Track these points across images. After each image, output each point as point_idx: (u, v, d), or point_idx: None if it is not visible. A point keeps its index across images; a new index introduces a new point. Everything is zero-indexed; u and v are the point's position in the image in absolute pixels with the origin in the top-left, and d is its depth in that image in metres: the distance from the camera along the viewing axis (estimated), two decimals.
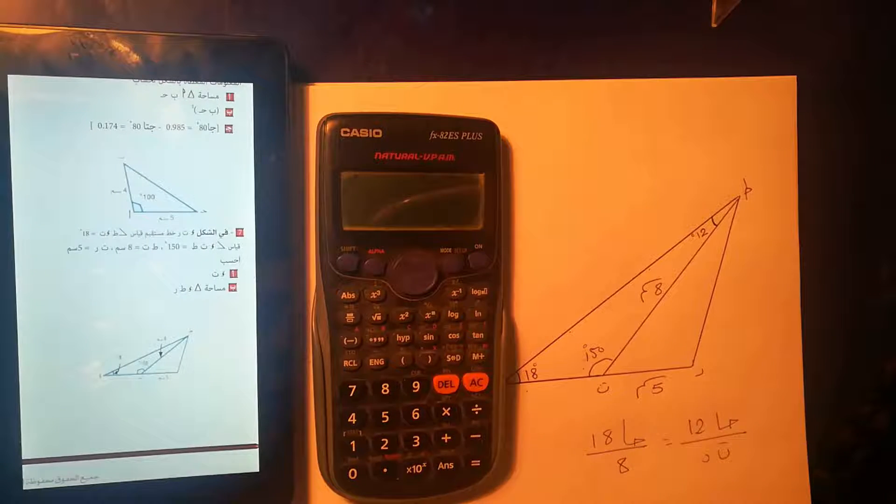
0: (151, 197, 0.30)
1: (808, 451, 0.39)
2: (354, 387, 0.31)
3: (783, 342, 0.38)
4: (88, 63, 0.29)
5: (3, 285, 0.28)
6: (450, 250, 0.32)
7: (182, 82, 0.30)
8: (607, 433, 0.36)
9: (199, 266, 0.30)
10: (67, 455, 0.29)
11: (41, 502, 0.29)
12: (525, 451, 0.36)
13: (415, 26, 0.34)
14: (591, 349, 0.36)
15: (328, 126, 0.31)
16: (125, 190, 0.29)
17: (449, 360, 0.32)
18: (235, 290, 0.31)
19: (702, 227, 0.37)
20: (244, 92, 0.30)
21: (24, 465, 0.29)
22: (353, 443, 0.31)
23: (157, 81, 0.29)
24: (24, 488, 0.29)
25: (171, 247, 0.30)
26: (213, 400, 0.31)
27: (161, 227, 0.30)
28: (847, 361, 0.39)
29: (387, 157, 0.31)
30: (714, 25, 0.37)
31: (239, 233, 0.31)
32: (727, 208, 0.37)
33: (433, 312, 0.32)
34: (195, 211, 0.30)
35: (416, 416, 0.32)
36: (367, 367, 0.31)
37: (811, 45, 0.38)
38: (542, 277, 0.35)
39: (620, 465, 0.37)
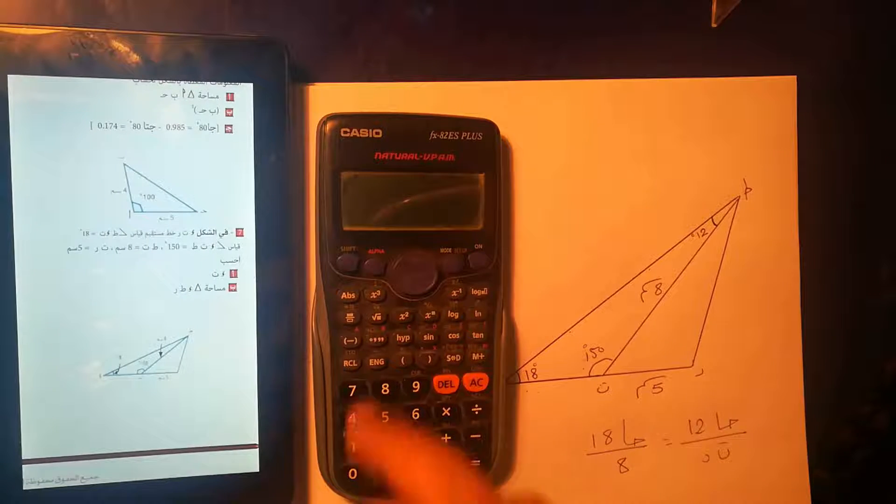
0: (151, 197, 0.30)
1: (808, 451, 0.39)
2: (354, 387, 0.31)
3: (783, 342, 0.38)
4: (88, 63, 0.29)
5: (3, 285, 0.28)
6: (450, 250, 0.32)
7: (182, 82, 0.30)
8: (607, 433, 0.36)
9: (199, 266, 0.30)
10: (67, 455, 0.29)
11: (41, 502, 0.29)
12: (525, 451, 0.36)
13: (415, 26, 0.34)
14: (591, 349, 0.36)
15: (328, 126, 0.31)
16: (125, 190, 0.29)
17: (449, 360, 0.32)
18: (235, 290, 0.31)
19: (702, 227, 0.37)
20: (244, 92, 0.30)
21: (24, 465, 0.29)
22: (353, 443, 0.31)
23: (157, 81, 0.29)
24: (24, 488, 0.29)
25: (171, 247, 0.30)
26: (213, 400, 0.31)
27: (161, 227, 0.30)
28: (847, 361, 0.39)
29: (387, 157, 0.31)
30: (714, 25, 0.37)
31: (239, 233, 0.31)
32: (727, 208, 0.37)
33: (433, 312, 0.32)
34: (195, 211, 0.30)
35: (416, 415, 0.32)
36: (367, 367, 0.31)
37: (811, 45, 0.38)
38: (542, 277, 0.35)
39: (620, 465, 0.37)
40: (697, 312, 0.37)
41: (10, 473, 0.29)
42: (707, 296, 0.37)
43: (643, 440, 0.37)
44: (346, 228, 0.31)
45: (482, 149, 0.32)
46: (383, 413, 0.31)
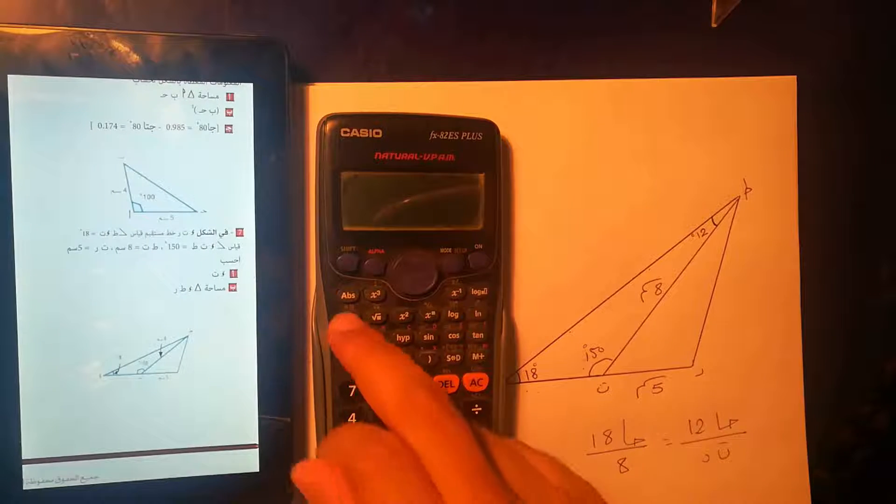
0: (151, 197, 0.30)
1: (808, 451, 0.39)
2: (354, 386, 0.31)
3: (783, 342, 0.38)
4: (88, 63, 0.29)
5: (3, 285, 0.28)
6: (450, 250, 0.32)
7: (182, 82, 0.30)
8: (607, 433, 0.36)
9: (199, 266, 0.30)
10: (67, 455, 0.29)
11: (41, 502, 0.29)
12: None
13: (415, 26, 0.34)
14: (591, 349, 0.36)
15: (328, 126, 0.31)
16: (125, 190, 0.29)
17: (449, 360, 0.32)
18: (235, 290, 0.31)
19: (702, 227, 0.37)
20: (244, 92, 0.30)
21: (24, 465, 0.29)
22: None
23: (157, 81, 0.29)
24: (24, 488, 0.29)
25: (171, 247, 0.30)
26: (213, 400, 0.31)
27: (161, 227, 0.30)
28: (847, 361, 0.39)
29: (387, 157, 0.31)
30: (714, 25, 0.37)
31: (239, 233, 0.31)
32: (727, 208, 0.37)
33: (433, 312, 0.32)
34: (195, 211, 0.30)
35: None
36: None
37: (811, 45, 0.38)
38: (542, 277, 0.35)
39: (620, 465, 0.37)
40: (697, 312, 0.37)
41: (10, 473, 0.29)
42: (707, 296, 0.37)
43: (643, 440, 0.37)
44: (346, 228, 0.31)
45: (482, 149, 0.32)
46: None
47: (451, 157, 0.32)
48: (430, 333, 0.32)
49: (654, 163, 0.36)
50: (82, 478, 0.29)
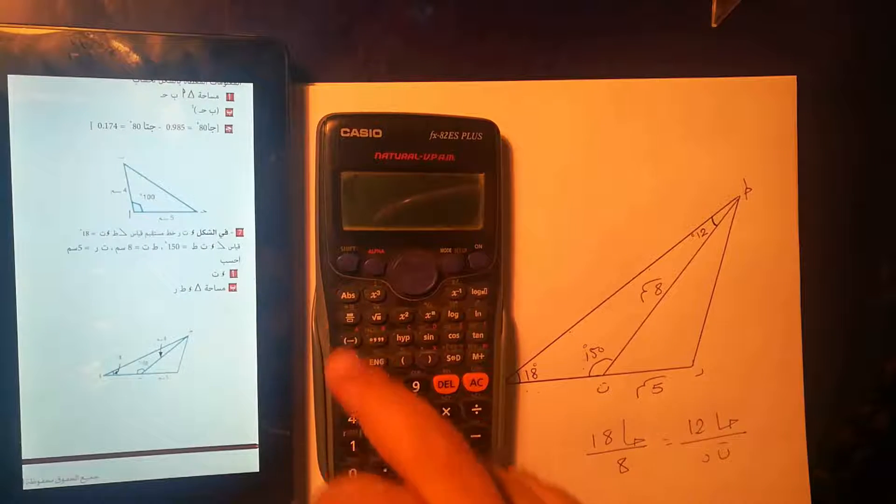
0: (151, 197, 0.30)
1: (808, 451, 0.39)
2: None
3: (783, 342, 0.38)
4: (88, 63, 0.29)
5: (3, 285, 0.28)
6: (450, 250, 0.32)
7: (182, 82, 0.30)
8: (607, 433, 0.36)
9: (199, 266, 0.30)
10: (67, 455, 0.29)
11: (41, 502, 0.29)
12: (525, 451, 0.36)
13: (415, 26, 0.34)
14: (591, 349, 0.36)
15: (328, 126, 0.31)
16: (125, 190, 0.29)
17: (449, 360, 0.32)
18: (235, 290, 0.31)
19: (702, 227, 0.37)
20: (244, 92, 0.30)
21: (24, 465, 0.29)
22: (352, 442, 0.31)
23: (157, 81, 0.29)
24: (24, 488, 0.29)
25: (171, 247, 0.30)
26: (213, 400, 0.31)
27: (161, 227, 0.30)
28: (847, 361, 0.39)
29: (387, 157, 0.31)
30: (714, 25, 0.37)
31: (239, 233, 0.31)
32: (727, 208, 0.37)
33: (433, 312, 0.32)
34: (195, 211, 0.30)
35: None
36: None
37: (811, 45, 0.38)
38: (542, 277, 0.35)
39: (620, 465, 0.37)
40: (697, 312, 0.37)
41: (10, 473, 0.29)
42: (707, 296, 0.37)
43: (643, 440, 0.37)
44: (346, 228, 0.31)
45: (482, 149, 0.32)
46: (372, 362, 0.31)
47: (451, 157, 0.32)
48: (430, 333, 0.32)
49: (654, 163, 0.36)
50: (82, 478, 0.30)
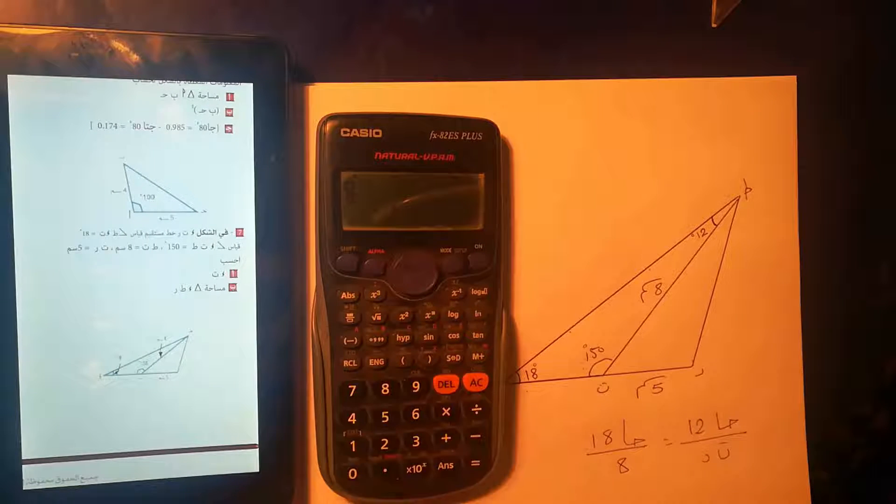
0: (151, 197, 0.30)
1: (808, 451, 0.39)
2: (354, 387, 0.31)
3: (783, 342, 0.38)
4: (88, 63, 0.29)
5: (3, 285, 0.28)
6: (450, 250, 0.32)
7: (182, 82, 0.30)
8: (607, 433, 0.36)
9: (199, 266, 0.30)
10: (67, 455, 0.29)
11: (41, 502, 0.29)
12: (525, 451, 0.36)
13: (415, 26, 0.34)
14: (591, 349, 0.36)
15: (328, 126, 0.31)
16: (125, 190, 0.29)
17: (449, 360, 0.32)
18: (235, 290, 0.31)
19: (702, 227, 0.37)
20: (244, 92, 0.30)
21: (24, 465, 0.29)
22: (353, 443, 0.31)
23: (157, 81, 0.29)
24: (24, 488, 0.29)
25: (171, 247, 0.30)
26: (213, 400, 0.31)
27: (161, 227, 0.30)
28: (847, 361, 0.39)
29: (387, 157, 0.31)
30: (714, 25, 0.37)
31: (239, 233, 0.31)
32: (727, 208, 0.37)
33: (433, 312, 0.32)
34: (195, 211, 0.30)
35: (416, 416, 0.32)
36: (366, 367, 0.31)
37: (811, 45, 0.38)
38: (542, 277, 0.35)
39: (620, 465, 0.37)
40: (697, 312, 0.37)
41: (10, 473, 0.29)
42: (707, 296, 0.37)
43: (643, 440, 0.37)
44: (346, 228, 0.31)
45: (482, 149, 0.32)
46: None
47: (451, 157, 0.32)
48: (430, 333, 0.32)
49: (654, 162, 0.36)
50: (82, 478, 0.30)
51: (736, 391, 0.38)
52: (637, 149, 0.36)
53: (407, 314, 0.32)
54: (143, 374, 0.30)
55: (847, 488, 0.40)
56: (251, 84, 0.30)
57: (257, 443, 0.31)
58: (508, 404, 0.35)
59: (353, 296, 0.31)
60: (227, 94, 0.30)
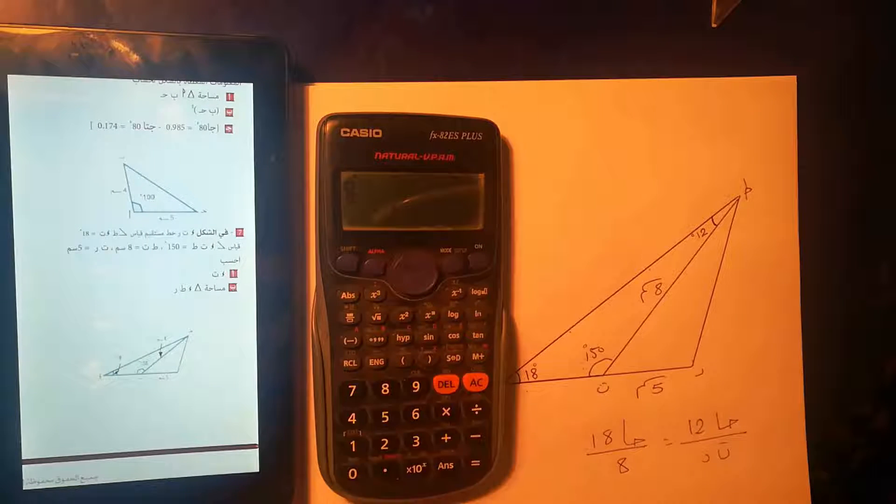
0: (151, 197, 0.30)
1: (808, 451, 0.39)
2: (354, 387, 0.31)
3: (783, 342, 0.38)
4: (88, 63, 0.29)
5: (3, 285, 0.28)
6: (450, 250, 0.32)
7: (182, 82, 0.30)
8: (607, 433, 0.36)
9: (199, 266, 0.30)
10: (67, 455, 0.29)
11: (41, 502, 0.29)
12: (525, 451, 0.36)
13: (415, 26, 0.34)
14: (591, 349, 0.36)
15: (328, 126, 0.31)
16: (125, 190, 0.29)
17: (449, 360, 0.32)
18: (235, 290, 0.31)
19: (702, 227, 0.37)
20: (244, 92, 0.30)
21: (24, 465, 0.29)
22: (353, 443, 0.31)
23: (157, 81, 0.29)
24: (24, 488, 0.29)
25: (171, 247, 0.30)
26: (213, 400, 0.31)
27: (161, 227, 0.30)
28: (847, 361, 0.39)
29: (387, 157, 0.31)
30: (714, 25, 0.37)
31: (239, 233, 0.31)
32: (727, 208, 0.37)
33: (433, 312, 0.32)
34: (195, 211, 0.30)
35: (415, 416, 0.32)
36: (366, 367, 0.31)
37: (811, 45, 0.38)
38: (542, 277, 0.35)
39: (620, 465, 0.37)
40: (697, 312, 0.37)
41: (10, 473, 0.29)
42: (707, 296, 0.37)
43: (643, 440, 0.37)
44: (346, 228, 0.31)
45: (482, 149, 0.32)
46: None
47: (451, 157, 0.32)
48: (430, 333, 0.32)
49: (654, 162, 0.36)
50: (82, 478, 0.30)
51: (736, 391, 0.38)
52: (637, 149, 0.36)
53: (407, 314, 0.32)
54: (143, 374, 0.30)
55: (847, 488, 0.40)
56: (251, 84, 0.30)
57: (257, 443, 0.31)
58: (508, 404, 0.35)
59: (353, 296, 0.31)
60: (227, 94, 0.30)
